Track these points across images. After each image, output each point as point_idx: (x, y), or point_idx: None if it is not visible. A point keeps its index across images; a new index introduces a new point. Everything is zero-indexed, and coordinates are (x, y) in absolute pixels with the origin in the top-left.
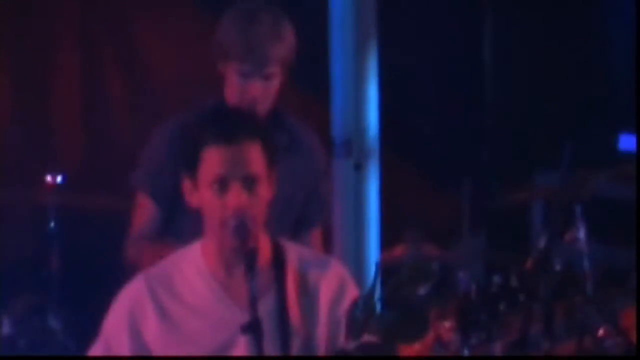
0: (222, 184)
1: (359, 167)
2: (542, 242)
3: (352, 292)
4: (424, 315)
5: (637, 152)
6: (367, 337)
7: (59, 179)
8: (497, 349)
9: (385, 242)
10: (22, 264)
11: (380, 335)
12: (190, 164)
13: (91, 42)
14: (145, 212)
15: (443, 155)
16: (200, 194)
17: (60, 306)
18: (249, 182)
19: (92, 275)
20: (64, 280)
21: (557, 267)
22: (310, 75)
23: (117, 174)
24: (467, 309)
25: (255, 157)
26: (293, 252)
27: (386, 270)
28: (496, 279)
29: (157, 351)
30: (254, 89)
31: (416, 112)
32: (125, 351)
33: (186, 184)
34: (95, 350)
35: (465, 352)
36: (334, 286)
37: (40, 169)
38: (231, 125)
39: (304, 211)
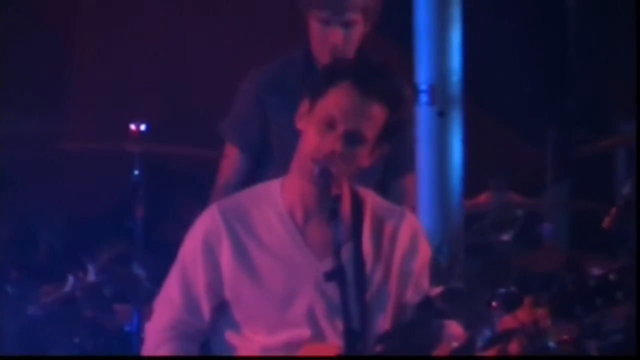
0: (330, 126)
1: (442, 114)
2: (626, 190)
3: (423, 246)
4: (507, 262)
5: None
6: (452, 284)
7: (142, 127)
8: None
9: (469, 190)
10: (106, 212)
11: (464, 281)
12: (317, 91)
13: None
14: (232, 162)
15: (527, 102)
16: (309, 122)
17: (145, 254)
18: (355, 138)
19: (176, 223)
20: (148, 228)
21: None
22: (393, 22)
23: (200, 124)
24: (563, 300)
25: (375, 118)
26: (370, 201)
27: (470, 217)
28: (595, 271)
29: (230, 286)
30: (334, 36)
31: (500, 59)
32: (201, 281)
33: (304, 106)
34: (172, 278)
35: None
36: (408, 239)
37: (124, 117)
38: (371, 79)
39: (396, 158)
